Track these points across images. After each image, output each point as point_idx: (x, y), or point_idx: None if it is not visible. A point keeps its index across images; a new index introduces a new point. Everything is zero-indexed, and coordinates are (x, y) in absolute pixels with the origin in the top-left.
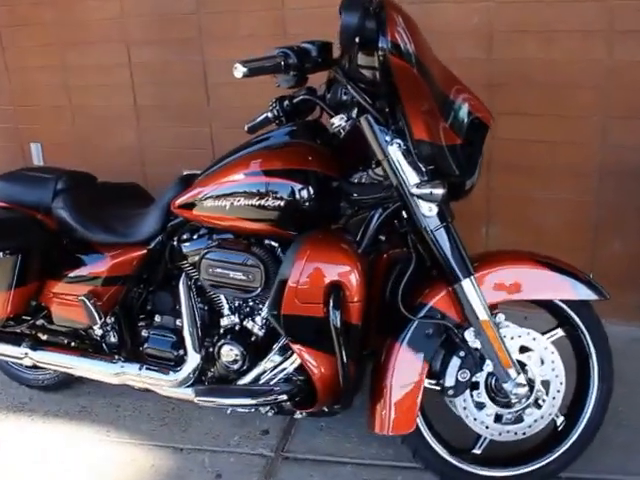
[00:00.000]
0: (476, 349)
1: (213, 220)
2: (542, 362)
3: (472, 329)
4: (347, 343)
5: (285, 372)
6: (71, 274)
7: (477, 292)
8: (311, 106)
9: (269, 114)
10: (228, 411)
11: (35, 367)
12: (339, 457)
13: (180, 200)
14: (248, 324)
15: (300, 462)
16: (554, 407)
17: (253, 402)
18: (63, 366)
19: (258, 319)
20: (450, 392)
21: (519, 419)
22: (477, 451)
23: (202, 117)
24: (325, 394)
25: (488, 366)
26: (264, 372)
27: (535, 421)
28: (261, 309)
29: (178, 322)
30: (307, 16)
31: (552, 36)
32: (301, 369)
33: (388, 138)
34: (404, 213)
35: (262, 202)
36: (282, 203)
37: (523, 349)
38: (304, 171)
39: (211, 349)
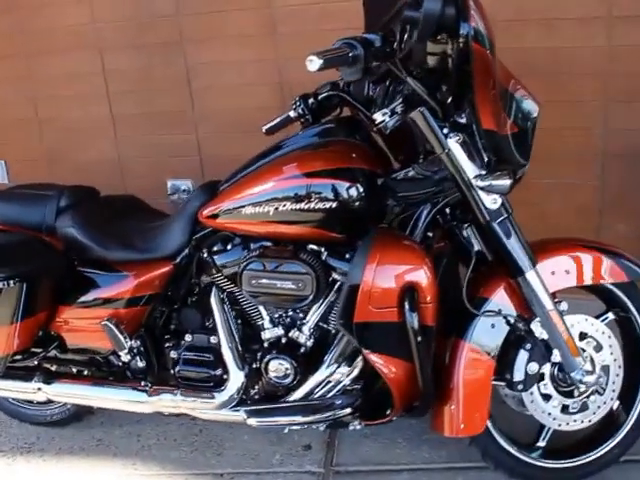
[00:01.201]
0: (542, 340)
1: (252, 228)
2: (601, 347)
3: (538, 320)
4: (424, 346)
5: (342, 384)
6: (87, 297)
7: (541, 282)
8: (336, 103)
9: (291, 113)
10: (285, 430)
11: (46, 402)
12: (392, 465)
13: (211, 210)
14: (294, 335)
15: (353, 475)
16: (614, 392)
17: (314, 418)
18: (84, 398)
19: (305, 329)
20: (519, 387)
21: (584, 407)
22: (541, 444)
23: (186, 123)
24: (402, 401)
25: (554, 356)
26: (318, 385)
27: (598, 407)
28: (305, 318)
29: (213, 339)
30: (298, 13)
31: (552, 23)
32: (359, 378)
33: (446, 131)
34: (447, 209)
35: (309, 205)
36: (330, 204)
37: (582, 336)
38: (350, 169)
39: (255, 365)
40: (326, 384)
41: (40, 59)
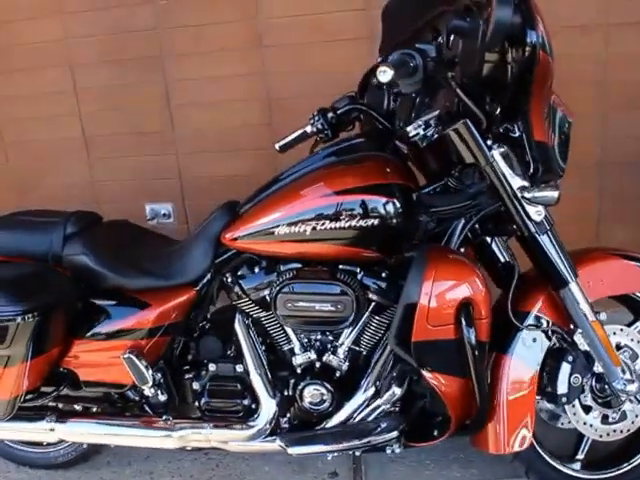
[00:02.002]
0: (583, 351)
1: (282, 249)
2: (637, 356)
3: (579, 331)
4: (480, 362)
5: (382, 407)
6: (103, 329)
7: (583, 294)
8: (354, 117)
9: (308, 129)
10: (329, 457)
11: (52, 444)
12: None
13: (236, 232)
14: (328, 359)
15: None
16: None
17: (359, 443)
18: (102, 437)
19: (340, 352)
20: (563, 399)
21: (623, 416)
22: (580, 456)
23: (166, 143)
24: (458, 420)
25: (595, 367)
26: (356, 409)
27: (636, 416)
28: (338, 341)
29: (238, 368)
30: (284, 25)
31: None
32: (399, 400)
33: (489, 142)
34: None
35: (348, 223)
36: (368, 221)
37: (618, 345)
38: (387, 185)
39: (286, 392)
40: (365, 408)
41: (4, 78)
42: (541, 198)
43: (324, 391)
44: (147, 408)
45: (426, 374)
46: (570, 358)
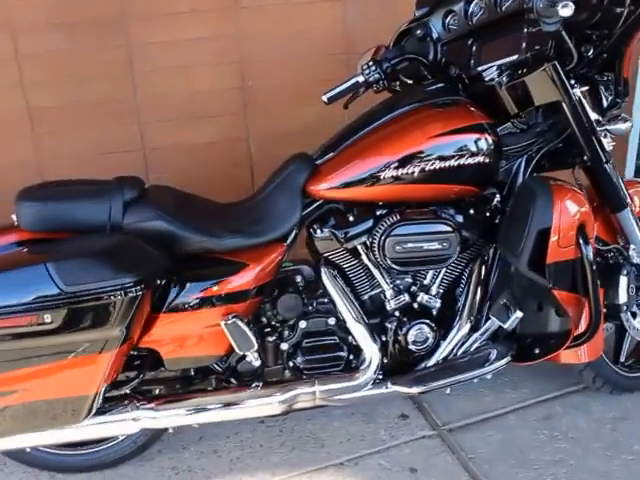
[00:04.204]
0: (636, 264)
1: (385, 194)
2: None
3: (633, 247)
4: (595, 278)
5: (488, 333)
6: (193, 298)
7: (634, 214)
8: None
9: (360, 79)
10: (447, 391)
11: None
12: (492, 412)
13: (331, 182)
14: (423, 299)
15: (466, 428)
16: None
17: (481, 372)
18: (195, 417)
19: (433, 291)
20: (624, 308)
21: None
22: (623, 358)
23: (127, 113)
24: (574, 333)
25: None
26: (456, 344)
27: None
28: (428, 281)
29: (330, 321)
30: None
31: None
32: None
33: (572, 82)
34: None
35: (456, 162)
36: (473, 159)
37: None
38: (481, 125)
39: (385, 337)
40: (464, 342)
41: None
42: (615, 130)
43: (427, 330)
44: (233, 378)
45: (556, 293)
46: (626, 271)
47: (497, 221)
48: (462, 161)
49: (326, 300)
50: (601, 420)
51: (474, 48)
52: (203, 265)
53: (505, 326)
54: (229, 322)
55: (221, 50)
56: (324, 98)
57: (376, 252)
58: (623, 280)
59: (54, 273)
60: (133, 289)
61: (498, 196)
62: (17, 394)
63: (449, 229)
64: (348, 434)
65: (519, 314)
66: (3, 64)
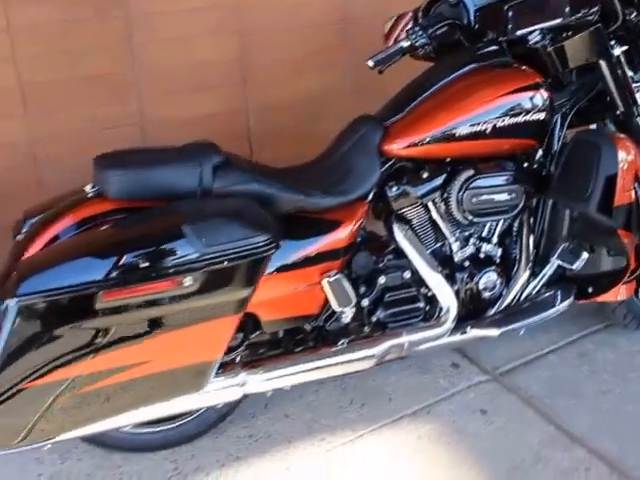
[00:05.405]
0: None
1: (459, 150)
2: None
3: None
4: None
5: (546, 277)
6: (292, 258)
7: None
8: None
9: (404, 43)
10: (521, 332)
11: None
12: (534, 353)
13: (409, 140)
14: (487, 249)
15: (515, 371)
16: None
17: (551, 312)
18: (299, 377)
19: (494, 239)
20: None
21: None
22: None
23: (125, 86)
24: (630, 270)
25: None
26: (519, 290)
27: None
28: (489, 232)
29: (405, 275)
30: None
31: None
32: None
33: (612, 42)
34: None
35: (523, 117)
36: (538, 115)
37: None
38: (540, 83)
39: (457, 286)
40: (526, 287)
41: None
42: None
43: (495, 276)
44: (323, 335)
45: (620, 232)
46: None
47: (543, 174)
48: (527, 117)
49: (397, 256)
50: (630, 353)
51: (510, 13)
52: (301, 225)
53: (573, 267)
54: (332, 279)
55: (220, 20)
56: (369, 63)
57: (452, 205)
58: None
59: (192, 235)
60: (265, 248)
61: (540, 150)
62: (144, 365)
63: (516, 181)
64: (410, 386)
65: (585, 255)
66: None
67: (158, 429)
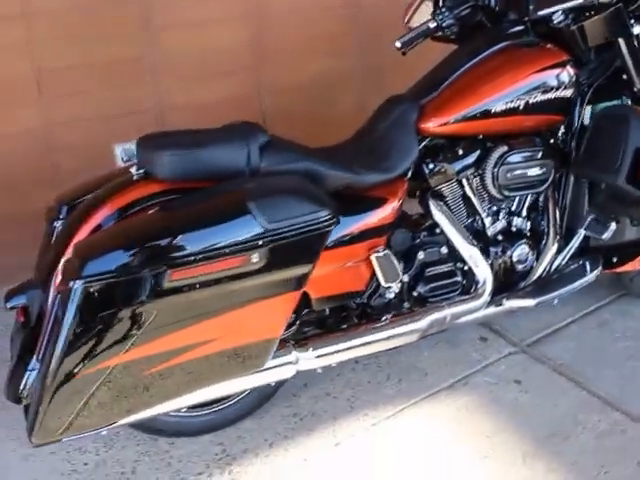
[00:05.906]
0: None
1: (494, 126)
2: None
3: None
4: None
5: (574, 249)
6: (339, 235)
7: None
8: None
9: (431, 24)
10: (555, 302)
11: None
12: (557, 324)
13: (446, 118)
14: (516, 223)
15: (541, 342)
16: None
17: (583, 281)
18: (350, 352)
19: (524, 213)
20: None
21: None
22: None
23: (141, 71)
24: None
25: None
26: (549, 261)
27: None
28: (519, 206)
29: (442, 250)
30: None
31: None
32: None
33: (632, 22)
34: None
35: (554, 94)
36: (567, 91)
37: None
38: (567, 60)
39: (491, 259)
40: (557, 256)
41: None
42: None
43: (527, 249)
44: (367, 311)
45: None
46: None
47: (566, 149)
48: (557, 93)
49: (432, 232)
50: None
51: None
52: (349, 202)
53: (603, 237)
54: (380, 254)
55: (235, 4)
56: (397, 44)
57: (487, 181)
58: None
59: (257, 211)
60: (327, 223)
61: (562, 127)
62: (209, 344)
63: (546, 156)
64: (443, 360)
65: (614, 226)
66: (10, 22)
67: (204, 412)
